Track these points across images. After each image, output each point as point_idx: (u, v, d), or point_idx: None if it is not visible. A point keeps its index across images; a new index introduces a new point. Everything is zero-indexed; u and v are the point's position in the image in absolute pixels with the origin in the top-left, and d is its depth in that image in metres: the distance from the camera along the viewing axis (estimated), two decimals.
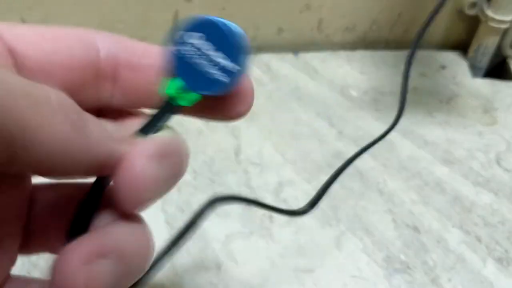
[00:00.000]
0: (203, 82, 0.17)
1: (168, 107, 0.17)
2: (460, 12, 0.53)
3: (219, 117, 0.18)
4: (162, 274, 0.36)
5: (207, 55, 0.17)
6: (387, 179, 0.43)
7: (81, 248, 0.15)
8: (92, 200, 0.17)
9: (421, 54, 0.55)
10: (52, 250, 0.18)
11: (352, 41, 0.56)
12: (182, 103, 0.17)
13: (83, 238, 0.16)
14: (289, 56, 0.54)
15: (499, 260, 0.38)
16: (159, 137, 0.17)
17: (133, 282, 0.17)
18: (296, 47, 0.55)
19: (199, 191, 0.41)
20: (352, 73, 0.52)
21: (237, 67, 0.17)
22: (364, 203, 0.41)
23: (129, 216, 0.17)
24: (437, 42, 0.57)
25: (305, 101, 0.49)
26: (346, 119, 0.48)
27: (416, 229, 0.40)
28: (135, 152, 0.16)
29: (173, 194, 0.41)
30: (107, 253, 0.16)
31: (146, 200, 0.16)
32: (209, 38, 0.16)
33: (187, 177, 0.42)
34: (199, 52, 0.17)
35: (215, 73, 0.17)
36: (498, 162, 0.45)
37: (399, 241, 0.39)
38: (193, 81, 0.17)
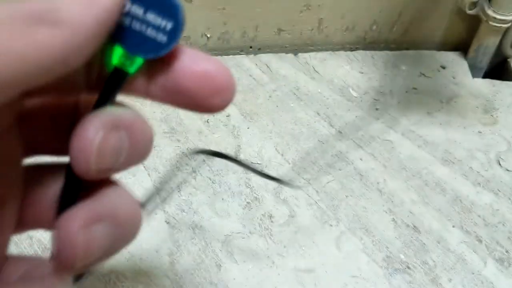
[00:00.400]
0: (142, 45, 0.17)
1: (116, 77, 0.17)
2: (460, 12, 0.53)
3: (195, 108, 0.18)
4: (162, 274, 0.36)
5: (140, 18, 0.17)
6: (387, 179, 0.43)
7: (79, 214, 0.17)
8: (73, 176, 0.17)
9: (421, 54, 0.55)
10: (43, 225, 0.19)
11: (352, 41, 0.55)
12: (129, 70, 0.17)
13: (80, 205, 0.17)
14: (289, 56, 0.54)
15: (499, 261, 0.38)
16: (112, 109, 0.17)
17: (126, 246, 0.18)
18: (296, 47, 0.55)
19: (199, 191, 0.41)
20: (352, 73, 0.52)
21: (170, 24, 0.17)
22: (364, 203, 0.41)
23: (117, 185, 0.18)
24: (437, 42, 0.57)
25: (305, 101, 0.49)
26: (346, 119, 0.48)
27: (416, 229, 0.40)
28: (86, 121, 0.16)
29: (173, 194, 0.41)
30: (102, 217, 0.17)
31: (99, 166, 0.16)
32: (136, 1, 0.17)
33: (187, 177, 0.42)
34: (131, 16, 0.17)
35: (151, 34, 0.17)
36: (498, 162, 0.45)
37: (399, 241, 0.39)
38: (133, 46, 0.17)
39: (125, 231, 0.18)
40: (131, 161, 0.18)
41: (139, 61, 0.17)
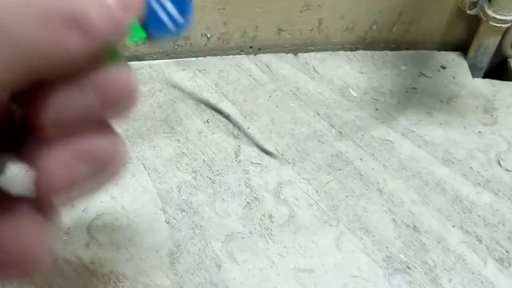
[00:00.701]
0: (153, 22, 0.19)
1: None
2: (460, 12, 0.53)
3: None
4: (162, 274, 0.36)
5: (160, 1, 0.18)
6: (387, 179, 0.43)
7: (60, 153, 0.17)
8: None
9: (421, 54, 0.56)
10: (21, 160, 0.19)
11: (352, 41, 0.55)
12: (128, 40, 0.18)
13: (61, 144, 0.17)
14: (289, 56, 0.54)
15: (499, 261, 0.38)
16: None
17: (108, 184, 0.19)
18: (296, 47, 0.55)
19: (199, 191, 0.41)
20: (352, 73, 0.52)
21: (182, 20, 0.19)
22: (364, 203, 0.41)
23: (104, 126, 0.18)
24: (437, 42, 0.57)
25: (305, 101, 0.49)
26: (346, 119, 0.48)
27: (416, 229, 0.40)
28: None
29: (173, 194, 0.41)
30: (85, 157, 0.17)
31: (55, 120, 0.16)
32: None
33: (187, 177, 0.42)
34: None
35: (164, 18, 0.19)
36: (498, 162, 0.45)
37: (399, 241, 0.39)
38: (144, 19, 0.18)
39: (106, 172, 0.18)
40: (108, 114, 0.18)
41: (141, 34, 0.18)
